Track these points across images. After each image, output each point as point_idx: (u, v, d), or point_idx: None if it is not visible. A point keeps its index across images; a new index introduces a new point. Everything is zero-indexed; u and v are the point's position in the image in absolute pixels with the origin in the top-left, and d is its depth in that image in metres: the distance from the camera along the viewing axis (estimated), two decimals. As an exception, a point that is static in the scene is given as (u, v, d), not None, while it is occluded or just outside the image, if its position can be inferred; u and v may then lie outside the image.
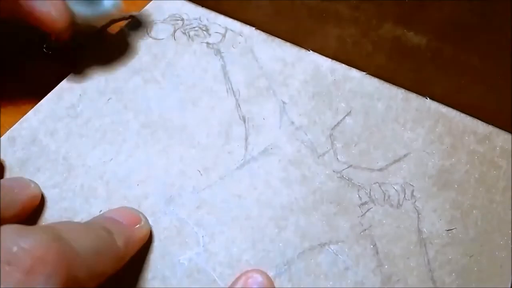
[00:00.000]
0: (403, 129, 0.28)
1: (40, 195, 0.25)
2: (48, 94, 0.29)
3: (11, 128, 0.27)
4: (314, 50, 0.31)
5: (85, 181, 0.26)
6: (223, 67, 0.31)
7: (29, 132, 0.27)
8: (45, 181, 0.26)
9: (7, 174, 0.26)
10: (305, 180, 0.26)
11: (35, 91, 0.30)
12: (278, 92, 0.30)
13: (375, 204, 0.26)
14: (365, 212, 0.25)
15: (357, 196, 0.26)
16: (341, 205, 0.26)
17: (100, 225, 0.22)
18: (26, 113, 0.28)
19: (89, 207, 0.25)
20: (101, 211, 0.25)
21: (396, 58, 0.29)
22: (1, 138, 0.27)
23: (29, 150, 0.27)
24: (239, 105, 0.29)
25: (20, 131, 0.27)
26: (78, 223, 0.23)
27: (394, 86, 0.30)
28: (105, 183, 0.26)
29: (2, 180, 0.25)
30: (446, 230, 0.25)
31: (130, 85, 0.30)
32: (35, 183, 0.25)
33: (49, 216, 0.25)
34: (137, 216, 0.24)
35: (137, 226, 0.23)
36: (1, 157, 0.26)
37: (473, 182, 0.26)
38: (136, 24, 0.33)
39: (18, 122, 0.28)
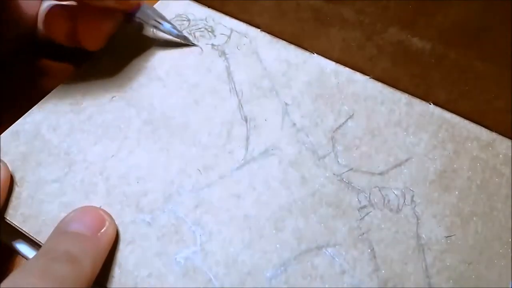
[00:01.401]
0: (406, 134, 0.28)
1: (10, 176, 0.25)
2: (53, 90, 0.29)
3: (15, 123, 0.28)
4: (318, 53, 0.31)
5: (86, 176, 0.26)
6: (227, 68, 0.31)
7: (32, 126, 0.28)
8: (46, 175, 0.26)
9: (10, 168, 0.26)
10: (305, 182, 0.26)
11: (39, 88, 0.30)
12: (281, 93, 0.30)
13: (374, 208, 0.25)
14: (364, 216, 0.25)
15: (357, 199, 0.26)
16: (340, 208, 0.25)
17: (61, 254, 0.21)
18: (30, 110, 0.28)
19: (89, 203, 0.25)
20: (100, 206, 0.25)
21: (400, 62, 0.29)
22: (5, 132, 0.27)
23: (31, 144, 0.27)
24: (241, 105, 0.29)
25: (24, 125, 0.28)
26: (32, 273, 0.20)
27: (398, 90, 0.30)
28: (105, 179, 0.26)
29: None
30: (445, 236, 0.25)
31: (134, 83, 0.30)
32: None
33: (49, 210, 0.25)
34: (101, 218, 0.24)
35: (102, 230, 0.23)
36: (4, 151, 0.27)
37: (475, 188, 0.26)
38: (143, 23, 0.33)
39: (23, 117, 0.28)
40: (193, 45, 0.32)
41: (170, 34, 0.31)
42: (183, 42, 0.32)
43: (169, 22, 0.31)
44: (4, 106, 0.30)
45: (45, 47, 0.33)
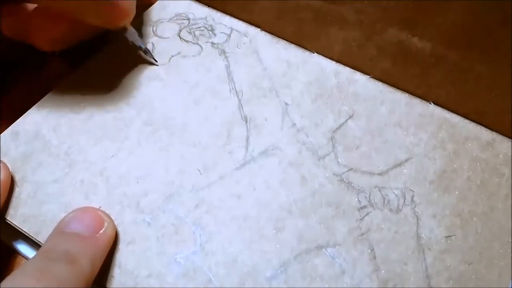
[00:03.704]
0: (406, 134, 0.28)
1: (10, 177, 0.25)
2: (53, 90, 0.29)
3: (15, 123, 0.28)
4: (318, 53, 0.31)
5: (86, 176, 0.26)
6: (227, 67, 0.31)
7: (32, 127, 0.28)
8: (46, 175, 0.26)
9: (10, 169, 0.26)
10: (305, 182, 0.26)
11: (39, 89, 0.30)
12: (281, 93, 0.30)
13: (374, 209, 0.25)
14: (364, 216, 0.25)
15: (357, 199, 0.26)
16: (339, 208, 0.25)
17: (60, 254, 0.21)
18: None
19: (89, 203, 0.25)
20: (100, 207, 0.25)
21: (401, 62, 0.29)
22: (5, 132, 0.27)
23: (31, 144, 0.27)
24: (241, 105, 0.29)
25: (24, 125, 0.28)
26: (31, 273, 0.20)
27: (398, 90, 0.30)
28: (105, 179, 0.26)
29: None
30: (445, 236, 0.25)
31: (134, 83, 0.30)
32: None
33: (49, 210, 0.25)
34: (100, 219, 0.24)
35: (101, 231, 0.23)
36: (4, 151, 0.27)
37: (475, 189, 0.26)
38: (143, 22, 0.33)
39: (22, 117, 0.28)
40: (154, 62, 0.31)
41: (133, 44, 0.30)
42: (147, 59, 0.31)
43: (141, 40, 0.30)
44: (4, 106, 0.30)
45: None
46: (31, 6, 0.28)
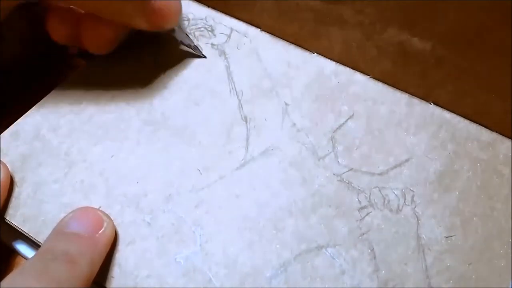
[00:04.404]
0: (406, 134, 0.28)
1: (10, 177, 0.25)
2: (53, 90, 0.29)
3: (15, 123, 0.28)
4: (318, 53, 0.31)
5: (85, 177, 0.26)
6: (227, 67, 0.31)
7: (32, 127, 0.28)
8: (46, 176, 0.26)
9: (10, 169, 0.26)
10: (305, 182, 0.26)
11: (40, 89, 0.30)
12: (281, 93, 0.30)
13: (374, 209, 0.25)
14: (364, 216, 0.25)
15: (357, 200, 0.26)
16: (340, 208, 0.25)
17: (59, 254, 0.21)
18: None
19: (89, 203, 0.25)
20: (100, 207, 0.25)
21: (401, 62, 0.29)
22: (5, 132, 0.27)
23: (31, 145, 0.27)
24: (241, 105, 0.29)
25: (24, 126, 0.28)
26: (30, 273, 0.21)
27: (398, 90, 0.30)
28: (105, 179, 0.26)
29: None
30: (445, 237, 0.25)
31: (134, 83, 0.30)
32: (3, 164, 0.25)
33: (49, 211, 0.25)
34: (100, 219, 0.24)
35: (100, 231, 0.23)
36: (4, 151, 0.27)
37: (475, 189, 0.26)
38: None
39: (22, 117, 0.28)
40: (202, 56, 0.31)
41: (182, 43, 0.31)
42: (193, 52, 0.31)
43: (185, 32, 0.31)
44: (4, 106, 0.30)
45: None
46: (80, 11, 0.28)
